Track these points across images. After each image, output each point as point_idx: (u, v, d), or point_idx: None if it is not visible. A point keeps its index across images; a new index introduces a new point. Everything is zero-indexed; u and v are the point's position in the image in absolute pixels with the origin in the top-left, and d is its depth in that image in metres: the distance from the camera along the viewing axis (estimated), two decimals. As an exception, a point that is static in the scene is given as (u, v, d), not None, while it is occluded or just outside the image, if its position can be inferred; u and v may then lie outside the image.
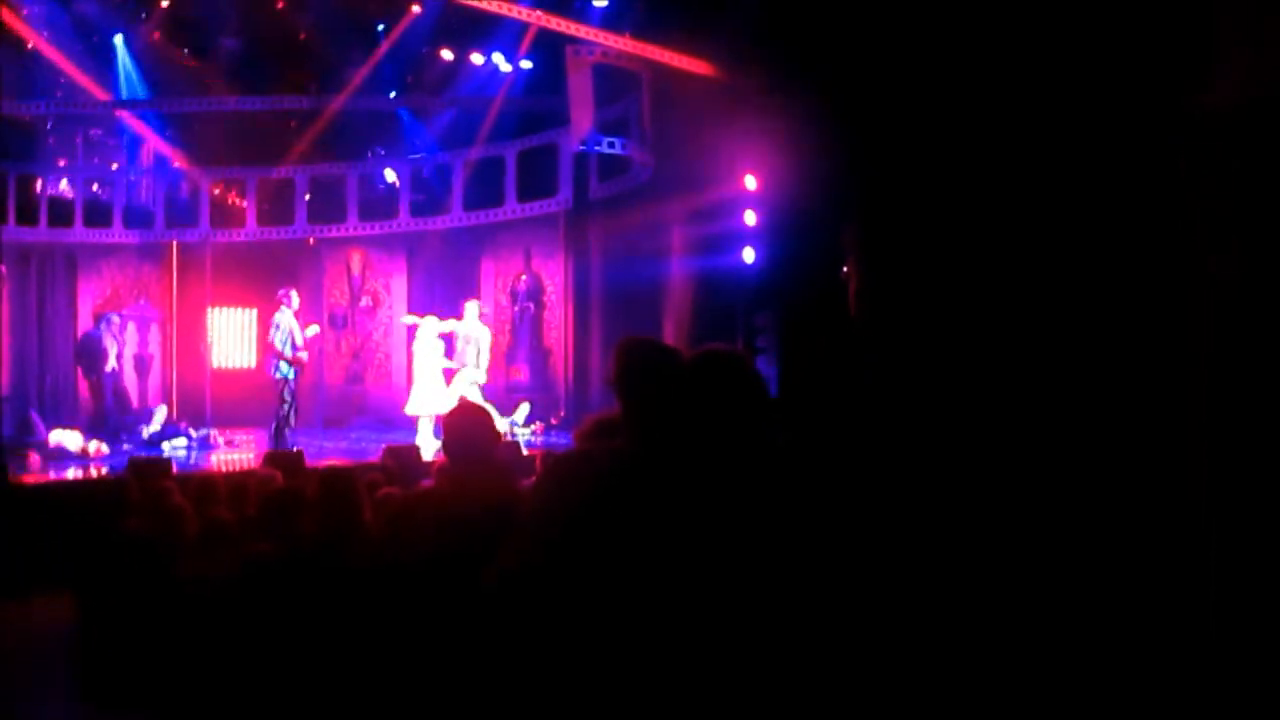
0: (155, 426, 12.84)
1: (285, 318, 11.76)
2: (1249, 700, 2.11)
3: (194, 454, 11.85)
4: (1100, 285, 4.43)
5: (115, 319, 13.26)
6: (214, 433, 13.39)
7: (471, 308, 13.08)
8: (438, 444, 11.54)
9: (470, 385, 12.47)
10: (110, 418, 12.40)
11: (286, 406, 11.73)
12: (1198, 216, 4.39)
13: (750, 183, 10.54)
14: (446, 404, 11.88)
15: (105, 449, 11.61)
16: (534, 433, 13.57)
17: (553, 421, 14.08)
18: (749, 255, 10.55)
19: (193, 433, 12.84)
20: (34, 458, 10.58)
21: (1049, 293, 4.09)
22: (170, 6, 14.18)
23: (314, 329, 12.52)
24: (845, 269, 2.31)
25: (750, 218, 10.58)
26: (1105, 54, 5.09)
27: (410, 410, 12.40)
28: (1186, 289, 4.13)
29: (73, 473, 10.38)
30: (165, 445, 12.33)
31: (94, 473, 10.44)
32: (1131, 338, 3.81)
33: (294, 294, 12.02)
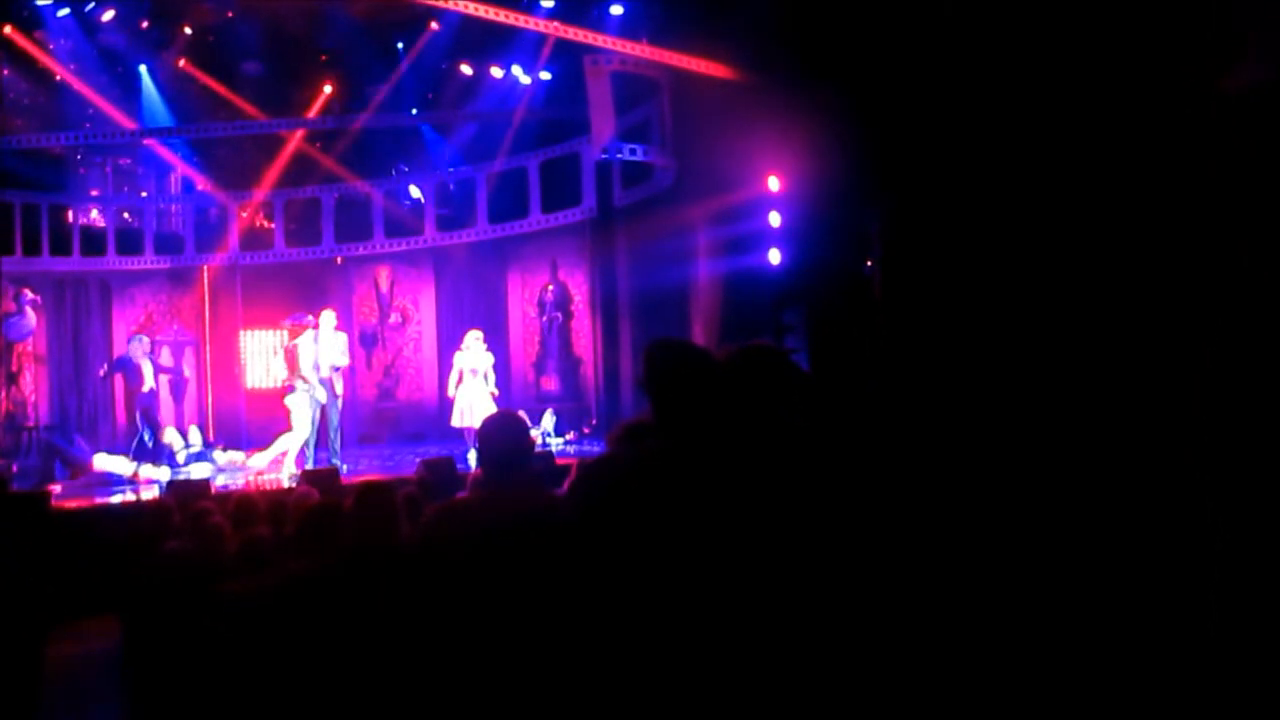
0: (194, 440, 12.98)
1: (304, 340, 11.87)
2: (1250, 701, 2.10)
3: (222, 476, 11.94)
4: (1122, 275, 4.40)
5: (145, 340, 13.38)
6: (239, 457, 13.48)
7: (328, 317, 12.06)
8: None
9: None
10: (139, 439, 12.53)
11: (320, 428, 11.89)
12: (1222, 202, 4.35)
13: (773, 184, 10.53)
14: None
15: (151, 473, 11.74)
16: (566, 441, 13.62)
17: (585, 430, 14.11)
18: (775, 256, 10.54)
19: (217, 457, 12.93)
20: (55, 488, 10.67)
21: (1074, 282, 4.07)
22: (193, 34, 14.35)
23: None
24: (869, 263, 2.31)
25: (775, 219, 10.56)
26: (1125, 40, 5.05)
27: (457, 423, 12.44)
28: (1213, 280, 4.09)
29: (116, 497, 10.51)
30: (196, 467, 12.45)
31: (137, 496, 10.55)
32: (1155, 326, 3.78)
33: (315, 316, 12.15)
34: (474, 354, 12.42)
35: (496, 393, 12.47)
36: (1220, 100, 4.41)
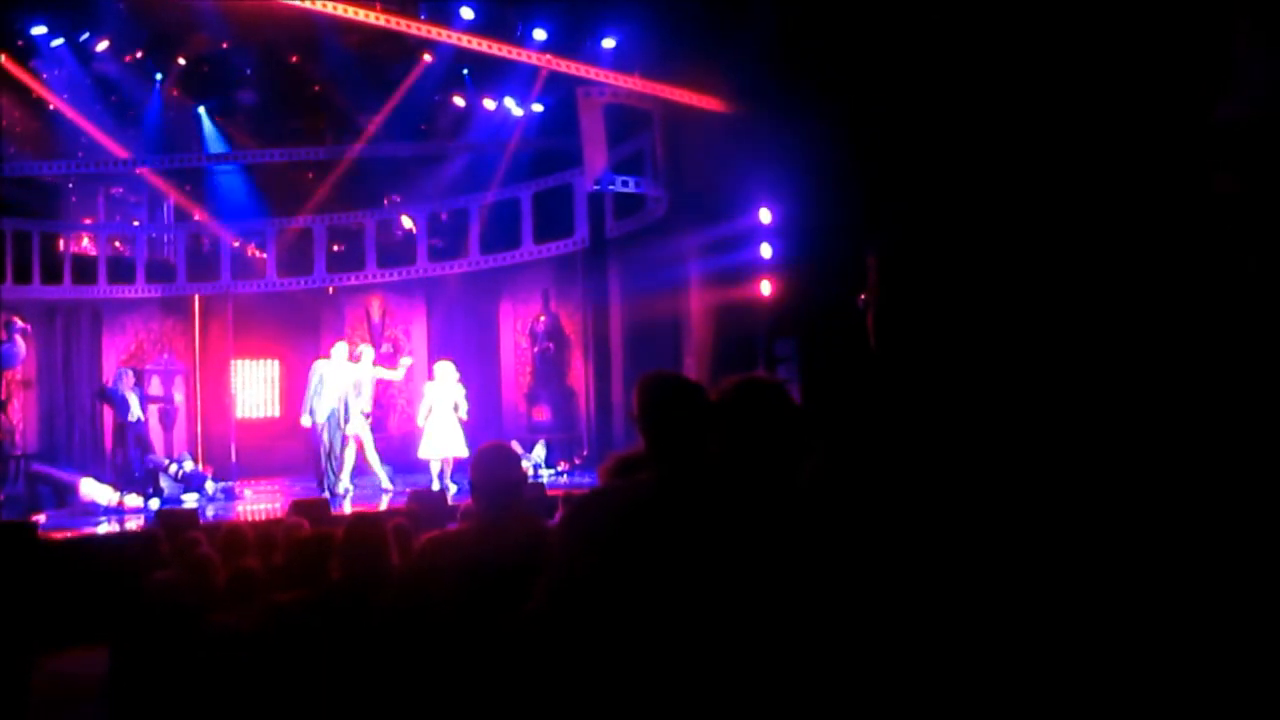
0: (188, 466, 12.95)
1: (320, 368, 12.05)
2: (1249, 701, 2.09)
3: (211, 507, 11.88)
4: (1124, 301, 4.42)
5: (130, 373, 13.42)
6: (229, 486, 13.47)
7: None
8: (454, 487, 11.63)
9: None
10: (134, 466, 12.50)
11: (324, 455, 11.95)
12: (1223, 230, 4.38)
13: (765, 215, 10.59)
14: (459, 447, 11.95)
15: (138, 502, 11.68)
16: (558, 472, 13.58)
17: (576, 461, 14.09)
18: (766, 288, 10.58)
19: (209, 486, 12.89)
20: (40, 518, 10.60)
21: (1072, 311, 4.09)
22: (187, 64, 14.41)
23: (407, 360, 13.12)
24: (862, 296, 2.32)
25: (766, 250, 10.61)
26: (1124, 73, 5.10)
27: (423, 454, 12.44)
28: (1217, 304, 4.11)
29: (104, 527, 10.44)
30: (186, 498, 12.38)
31: (125, 526, 10.48)
32: (1154, 356, 3.80)
33: (337, 346, 12.41)
34: (445, 385, 12.40)
35: (466, 418, 12.45)
36: (1213, 131, 4.46)
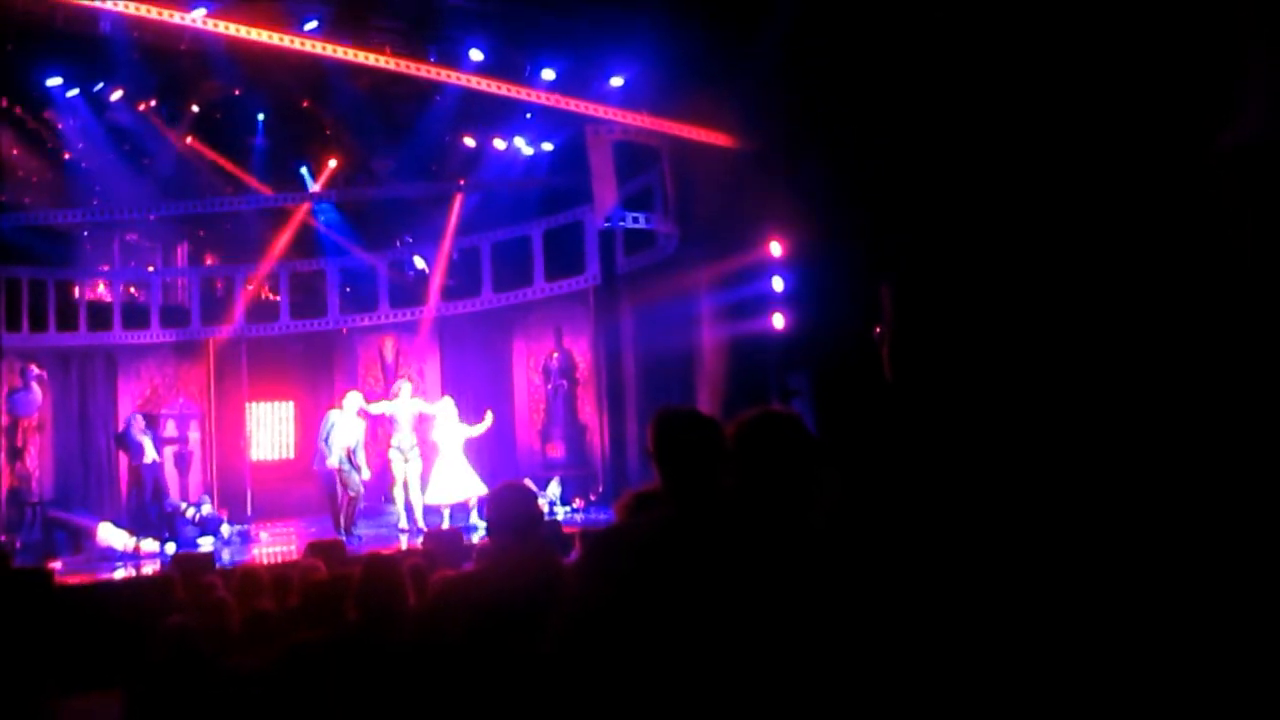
0: (205, 510, 12.95)
1: (333, 416, 12.05)
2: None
3: (227, 550, 11.86)
4: (1136, 330, 4.40)
5: (140, 418, 13.47)
6: (245, 529, 13.47)
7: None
8: (481, 525, 11.54)
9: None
10: (150, 510, 12.52)
11: (337, 502, 11.92)
12: (1233, 253, 4.37)
13: (775, 249, 10.60)
14: (475, 486, 11.85)
15: (154, 547, 11.67)
16: (573, 509, 13.53)
17: (591, 497, 14.04)
18: (778, 321, 10.57)
19: (225, 530, 12.86)
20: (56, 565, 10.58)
21: (1087, 340, 4.07)
22: (200, 110, 14.54)
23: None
24: (877, 329, 2.30)
25: (777, 283, 10.61)
26: (1128, 101, 5.11)
27: (431, 499, 12.24)
28: (1224, 330, 4.09)
29: (120, 572, 10.43)
30: (202, 541, 12.36)
31: (140, 570, 10.47)
32: (1170, 385, 3.78)
33: (349, 396, 12.39)
34: (447, 424, 12.30)
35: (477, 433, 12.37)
36: (1224, 152, 4.46)
